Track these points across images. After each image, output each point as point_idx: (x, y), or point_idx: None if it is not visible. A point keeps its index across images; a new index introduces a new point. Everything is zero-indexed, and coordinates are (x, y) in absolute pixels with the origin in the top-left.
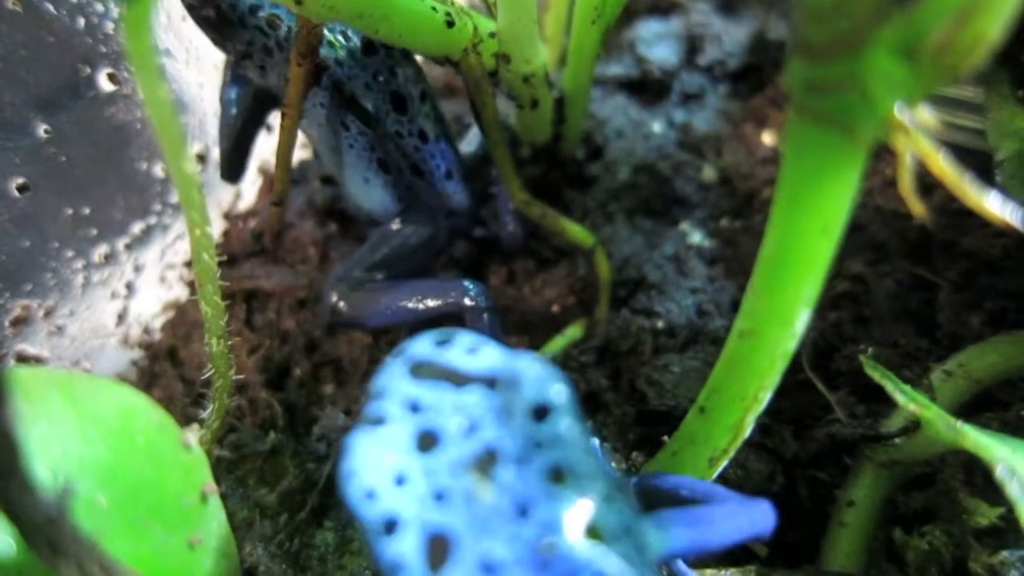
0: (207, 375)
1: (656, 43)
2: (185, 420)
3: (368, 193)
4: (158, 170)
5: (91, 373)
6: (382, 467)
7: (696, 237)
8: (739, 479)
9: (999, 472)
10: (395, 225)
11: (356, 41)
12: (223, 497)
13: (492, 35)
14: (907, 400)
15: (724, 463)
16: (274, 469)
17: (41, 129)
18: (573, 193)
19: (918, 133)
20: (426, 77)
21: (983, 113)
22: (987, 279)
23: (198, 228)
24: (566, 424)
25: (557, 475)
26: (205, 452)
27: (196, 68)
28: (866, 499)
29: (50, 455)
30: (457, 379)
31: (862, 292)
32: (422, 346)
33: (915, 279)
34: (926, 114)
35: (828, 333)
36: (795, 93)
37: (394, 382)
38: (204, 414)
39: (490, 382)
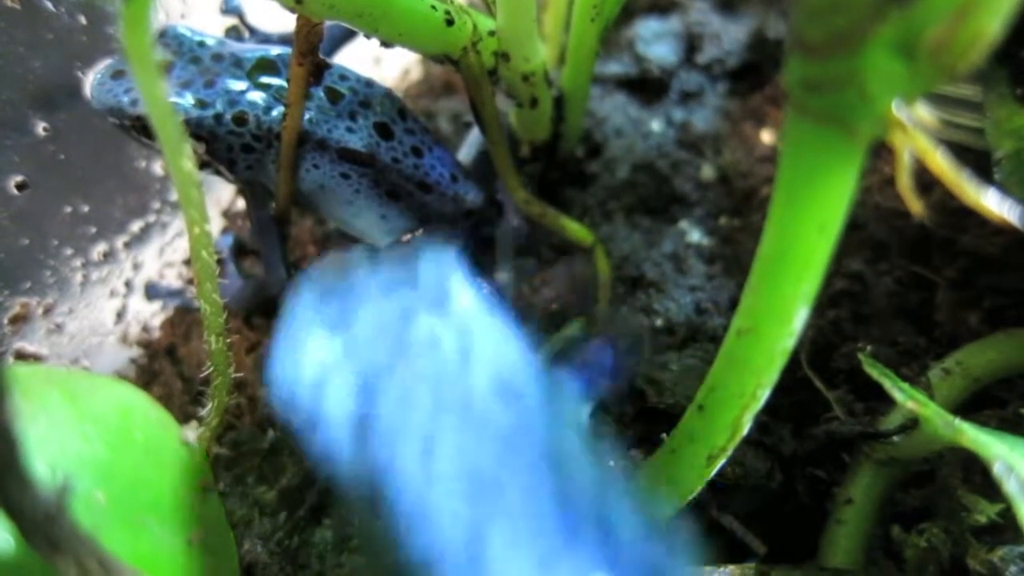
0: (206, 373)
1: (655, 41)
2: (184, 418)
3: (389, 227)
4: (157, 168)
5: (90, 371)
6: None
7: (695, 235)
8: (738, 477)
9: (997, 469)
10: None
11: (320, 94)
12: (222, 495)
13: (491, 33)
14: (905, 398)
15: (722, 461)
16: (273, 467)
17: (40, 127)
18: (572, 191)
19: (916, 131)
20: (393, 92)
21: (982, 111)
22: (985, 277)
23: (197, 226)
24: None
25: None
26: (204, 450)
27: None
28: (864, 497)
29: (49, 452)
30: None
31: (861, 290)
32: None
33: (914, 277)
34: (924, 112)
35: (827, 331)
36: (793, 91)
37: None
38: (203, 412)
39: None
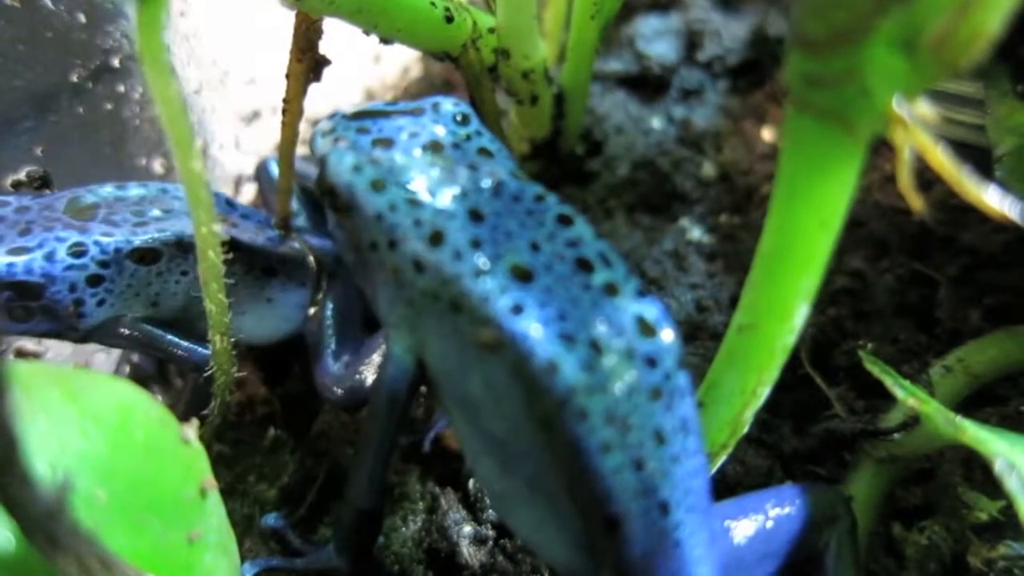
0: (208, 372)
1: (655, 39)
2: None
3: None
4: (157, 166)
5: (90, 369)
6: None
7: (695, 233)
8: (738, 475)
9: (998, 466)
10: (320, 295)
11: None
12: (222, 493)
13: (491, 30)
14: (906, 395)
15: (723, 458)
16: (273, 465)
17: (38, 125)
18: (572, 189)
19: (917, 127)
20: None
21: (983, 108)
22: (986, 274)
23: (204, 226)
24: (476, 126)
25: (486, 151)
26: (205, 448)
27: (195, 66)
28: (865, 494)
29: (49, 450)
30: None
31: (861, 288)
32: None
33: (914, 275)
34: (925, 108)
35: (827, 329)
36: (794, 87)
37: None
38: (204, 410)
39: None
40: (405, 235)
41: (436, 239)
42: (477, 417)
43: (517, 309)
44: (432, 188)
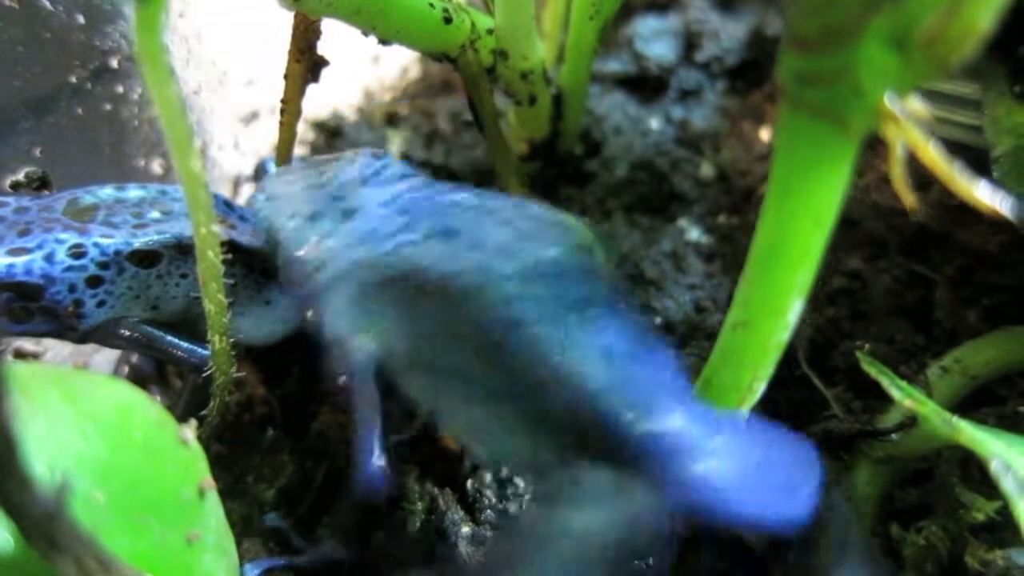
0: (207, 372)
1: (654, 39)
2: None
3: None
4: (156, 166)
5: (89, 369)
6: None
7: (694, 233)
8: None
9: (994, 467)
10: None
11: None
12: (221, 493)
13: (490, 31)
14: (903, 396)
15: None
16: (272, 465)
17: (37, 126)
18: (570, 190)
19: (909, 124)
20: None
21: (980, 109)
22: (984, 275)
23: (203, 226)
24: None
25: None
26: (203, 448)
27: (194, 66)
28: (863, 495)
29: (48, 451)
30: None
31: (859, 288)
32: None
33: (912, 275)
34: (917, 105)
35: (825, 329)
36: (787, 85)
37: None
38: (203, 411)
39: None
40: None
41: None
42: (437, 367)
43: None
44: None
